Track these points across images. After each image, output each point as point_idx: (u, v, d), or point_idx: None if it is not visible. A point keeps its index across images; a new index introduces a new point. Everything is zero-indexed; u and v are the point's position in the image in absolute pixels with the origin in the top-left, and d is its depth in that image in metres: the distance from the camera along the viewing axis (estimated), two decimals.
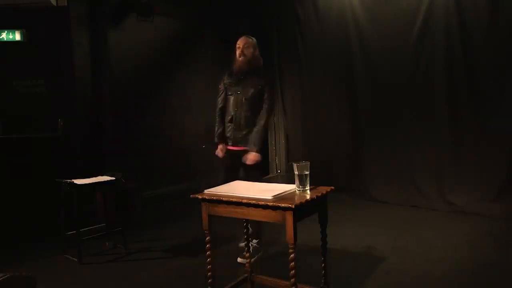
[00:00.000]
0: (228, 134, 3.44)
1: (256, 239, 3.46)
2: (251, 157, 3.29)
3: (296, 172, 2.21)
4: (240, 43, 3.42)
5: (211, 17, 6.23)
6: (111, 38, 5.06)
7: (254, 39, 3.49)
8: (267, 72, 3.60)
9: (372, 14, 5.12)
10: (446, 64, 4.54)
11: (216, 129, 3.55)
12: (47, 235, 3.98)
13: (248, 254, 2.67)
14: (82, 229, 3.69)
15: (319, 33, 5.74)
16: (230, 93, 3.46)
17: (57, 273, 3.30)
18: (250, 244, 3.01)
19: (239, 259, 3.29)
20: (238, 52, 3.41)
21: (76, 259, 3.48)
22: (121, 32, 5.16)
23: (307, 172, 2.20)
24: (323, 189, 2.26)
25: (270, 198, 2.06)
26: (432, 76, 4.66)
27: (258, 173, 3.41)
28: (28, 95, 4.61)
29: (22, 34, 4.53)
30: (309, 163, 2.21)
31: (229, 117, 3.43)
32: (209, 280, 2.37)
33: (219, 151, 3.52)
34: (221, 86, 3.56)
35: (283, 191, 2.18)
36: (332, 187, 2.31)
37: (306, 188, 2.20)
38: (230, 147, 3.45)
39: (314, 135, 5.92)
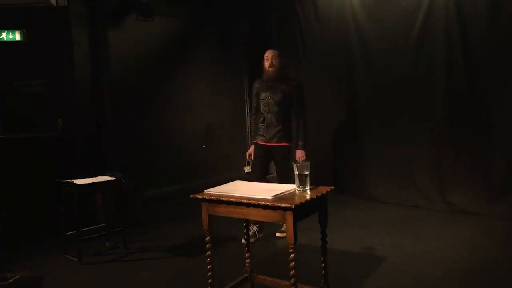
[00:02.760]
0: (260, 132, 3.94)
1: (255, 224, 3.84)
2: (299, 154, 3.87)
3: (296, 172, 2.21)
4: (268, 55, 3.87)
5: (211, 17, 6.23)
6: (111, 38, 5.06)
7: (278, 51, 3.95)
8: (295, 78, 4.10)
9: (372, 14, 5.12)
10: (446, 64, 4.54)
11: (252, 132, 4.10)
12: (47, 235, 3.98)
13: (248, 254, 2.67)
14: (82, 229, 3.70)
15: (319, 33, 5.74)
16: (262, 98, 3.93)
17: (57, 273, 3.30)
18: (249, 229, 3.41)
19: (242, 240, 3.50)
20: (267, 63, 3.86)
21: (76, 259, 3.48)
22: (121, 32, 5.16)
23: (307, 172, 2.20)
24: (323, 189, 2.26)
25: (270, 198, 2.06)
26: (432, 76, 4.66)
27: (287, 166, 3.85)
28: (28, 95, 4.61)
29: (22, 34, 4.53)
30: (309, 163, 2.21)
31: (261, 118, 3.92)
32: (209, 280, 2.37)
33: (250, 152, 4.03)
34: (254, 94, 4.03)
35: (283, 191, 2.18)
36: (332, 187, 2.32)
37: (306, 188, 2.21)
38: (262, 143, 3.93)
39: (314, 135, 5.92)
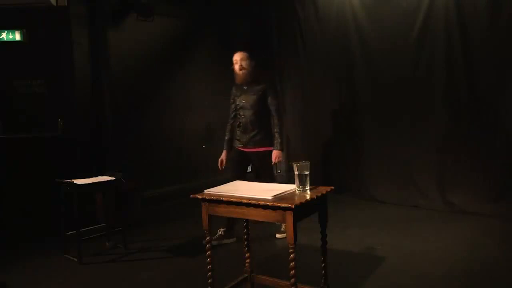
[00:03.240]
0: (237, 137, 3.88)
1: (223, 228, 3.82)
2: (275, 155, 3.73)
3: (296, 172, 2.21)
4: (237, 58, 3.80)
5: (211, 17, 6.24)
6: (111, 38, 5.06)
7: (246, 53, 3.86)
8: (266, 78, 3.95)
9: (372, 14, 5.12)
10: (446, 64, 4.54)
11: (225, 137, 4.00)
12: (47, 235, 3.98)
13: (248, 254, 2.67)
14: (82, 229, 3.70)
15: (319, 33, 5.74)
16: (237, 103, 3.87)
17: (57, 273, 3.30)
18: (218, 231, 3.81)
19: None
20: (237, 66, 3.78)
21: (76, 259, 3.48)
22: (121, 32, 5.17)
23: (307, 172, 2.20)
24: (323, 189, 2.26)
25: (270, 198, 2.06)
26: (432, 76, 4.66)
27: (268, 171, 3.89)
28: (28, 95, 4.61)
29: (22, 34, 4.53)
30: (309, 163, 2.21)
31: (238, 123, 3.87)
32: (209, 280, 2.37)
33: (222, 158, 3.95)
34: (232, 99, 3.96)
35: (283, 191, 2.18)
36: (332, 187, 2.31)
37: (306, 188, 2.20)
38: (239, 148, 3.86)
39: (314, 135, 5.93)
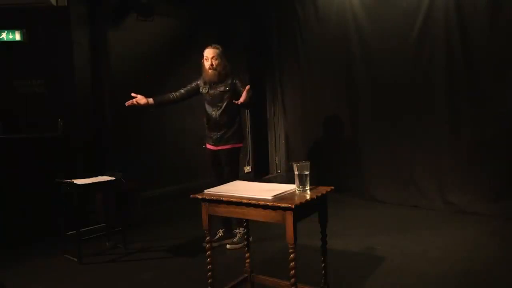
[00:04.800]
0: (207, 135, 3.73)
1: (242, 226, 3.58)
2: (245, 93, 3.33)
3: (296, 172, 2.21)
4: (208, 55, 3.58)
5: (211, 17, 6.23)
6: (111, 38, 5.06)
7: (221, 48, 3.65)
8: (234, 73, 3.72)
9: (372, 14, 5.12)
10: (446, 64, 4.54)
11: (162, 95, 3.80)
12: (47, 235, 3.98)
13: (248, 254, 2.67)
14: (82, 229, 3.70)
15: (319, 33, 5.74)
16: (205, 98, 3.68)
17: (57, 273, 3.30)
18: (217, 232, 3.78)
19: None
20: (207, 64, 3.59)
21: (76, 259, 3.48)
22: (121, 32, 5.16)
23: (307, 172, 2.20)
24: (323, 189, 2.26)
25: (270, 198, 2.06)
26: (432, 76, 4.66)
27: (233, 167, 3.69)
28: (28, 95, 4.61)
29: (22, 34, 4.53)
30: (309, 163, 2.21)
31: (205, 119, 3.70)
32: (209, 280, 2.37)
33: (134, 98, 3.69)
34: (194, 85, 3.74)
35: (283, 191, 2.18)
36: (332, 187, 2.31)
37: (306, 188, 2.21)
38: (210, 147, 3.73)
39: (314, 135, 5.93)
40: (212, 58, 3.57)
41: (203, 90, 3.70)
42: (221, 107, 3.61)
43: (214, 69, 3.57)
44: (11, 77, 4.58)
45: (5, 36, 4.50)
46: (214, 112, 3.63)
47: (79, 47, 4.82)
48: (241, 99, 3.33)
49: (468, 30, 4.37)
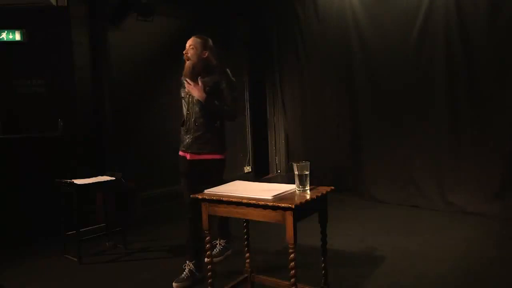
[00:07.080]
0: (180, 139, 3.11)
1: (224, 239, 3.37)
2: (197, 88, 2.92)
3: (296, 172, 2.21)
4: (187, 44, 3.06)
5: (211, 17, 6.23)
6: (111, 38, 5.06)
7: (205, 38, 3.12)
8: (221, 69, 3.13)
9: (372, 14, 5.12)
10: (446, 64, 4.54)
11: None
12: (47, 235, 3.98)
13: (248, 254, 2.67)
14: (82, 229, 3.70)
15: (319, 33, 5.74)
16: (182, 95, 3.11)
17: (57, 273, 3.30)
18: (217, 245, 3.35)
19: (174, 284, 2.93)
20: (185, 56, 3.04)
21: (76, 259, 3.48)
22: (121, 32, 5.16)
23: (307, 172, 2.20)
24: (323, 189, 2.26)
25: (270, 198, 2.06)
26: (432, 76, 4.66)
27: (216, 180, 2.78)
28: (28, 95, 4.61)
29: (22, 34, 4.53)
30: (309, 163, 2.21)
31: (181, 121, 3.10)
32: (209, 280, 2.37)
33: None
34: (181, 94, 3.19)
35: (283, 191, 2.18)
36: (332, 187, 2.31)
37: (306, 188, 2.20)
38: (182, 154, 3.09)
39: (314, 135, 5.92)
40: (189, 47, 3.02)
41: (181, 87, 3.13)
42: (197, 107, 2.99)
43: (188, 60, 3.00)
44: (11, 77, 4.58)
45: (5, 36, 4.50)
46: (189, 112, 3.04)
47: (79, 47, 4.82)
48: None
49: (468, 30, 4.37)
